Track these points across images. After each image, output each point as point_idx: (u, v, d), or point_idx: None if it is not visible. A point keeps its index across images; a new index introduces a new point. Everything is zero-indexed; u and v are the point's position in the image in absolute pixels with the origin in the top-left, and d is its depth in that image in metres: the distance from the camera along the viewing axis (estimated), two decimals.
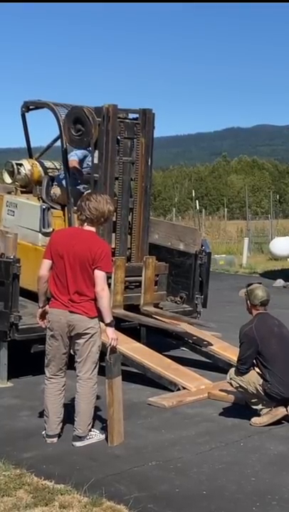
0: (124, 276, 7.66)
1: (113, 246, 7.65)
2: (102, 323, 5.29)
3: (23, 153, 9.16)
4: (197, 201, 34.97)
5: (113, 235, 7.68)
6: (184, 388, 6.70)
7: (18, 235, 7.18)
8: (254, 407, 5.90)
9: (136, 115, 7.91)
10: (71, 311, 5.18)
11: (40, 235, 7.74)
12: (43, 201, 8.07)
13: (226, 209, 39.07)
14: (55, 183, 8.19)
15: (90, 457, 5.00)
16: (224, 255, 21.84)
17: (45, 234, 7.61)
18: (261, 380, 5.78)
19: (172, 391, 6.67)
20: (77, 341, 5.22)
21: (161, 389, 6.73)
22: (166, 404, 6.32)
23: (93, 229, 5.33)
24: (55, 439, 5.30)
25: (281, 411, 5.78)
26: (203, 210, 35.58)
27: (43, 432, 5.37)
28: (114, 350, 5.25)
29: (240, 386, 5.89)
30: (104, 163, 7.55)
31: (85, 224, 5.32)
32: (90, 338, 5.20)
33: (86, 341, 5.20)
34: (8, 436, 5.47)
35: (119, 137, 7.68)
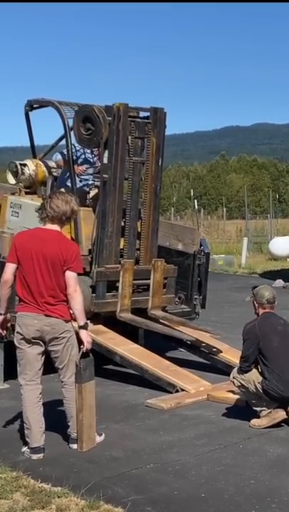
0: (133, 280, 7.56)
1: (121, 248, 7.58)
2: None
3: (20, 152, 9.12)
4: (196, 200, 34.83)
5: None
6: (183, 390, 6.66)
7: None
8: (254, 408, 5.87)
9: (146, 113, 7.80)
10: (47, 315, 5.02)
11: None
12: None
13: (224, 208, 38.92)
14: (58, 183, 8.11)
15: (88, 459, 4.97)
16: (223, 255, 21.80)
17: None
18: (260, 378, 5.76)
19: (171, 393, 6.64)
20: (55, 348, 5.08)
21: (160, 391, 6.69)
22: (164, 406, 6.28)
23: (58, 228, 5.16)
24: (41, 455, 5.00)
25: (281, 414, 5.74)
26: (202, 209, 35.52)
27: (24, 449, 5.09)
28: (87, 353, 5.13)
29: (242, 385, 5.87)
30: (114, 164, 7.46)
31: (47, 223, 5.16)
32: (67, 342, 5.08)
33: (64, 346, 5.08)
34: (4, 439, 5.43)
35: (129, 137, 7.57)
